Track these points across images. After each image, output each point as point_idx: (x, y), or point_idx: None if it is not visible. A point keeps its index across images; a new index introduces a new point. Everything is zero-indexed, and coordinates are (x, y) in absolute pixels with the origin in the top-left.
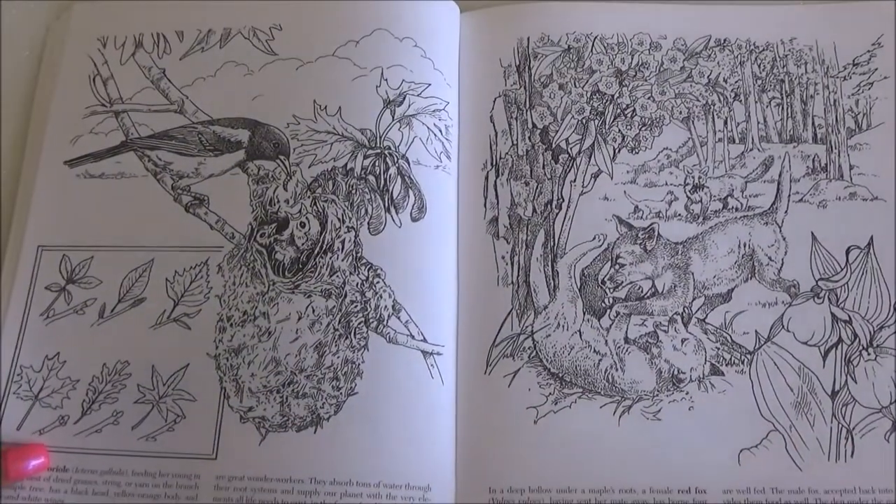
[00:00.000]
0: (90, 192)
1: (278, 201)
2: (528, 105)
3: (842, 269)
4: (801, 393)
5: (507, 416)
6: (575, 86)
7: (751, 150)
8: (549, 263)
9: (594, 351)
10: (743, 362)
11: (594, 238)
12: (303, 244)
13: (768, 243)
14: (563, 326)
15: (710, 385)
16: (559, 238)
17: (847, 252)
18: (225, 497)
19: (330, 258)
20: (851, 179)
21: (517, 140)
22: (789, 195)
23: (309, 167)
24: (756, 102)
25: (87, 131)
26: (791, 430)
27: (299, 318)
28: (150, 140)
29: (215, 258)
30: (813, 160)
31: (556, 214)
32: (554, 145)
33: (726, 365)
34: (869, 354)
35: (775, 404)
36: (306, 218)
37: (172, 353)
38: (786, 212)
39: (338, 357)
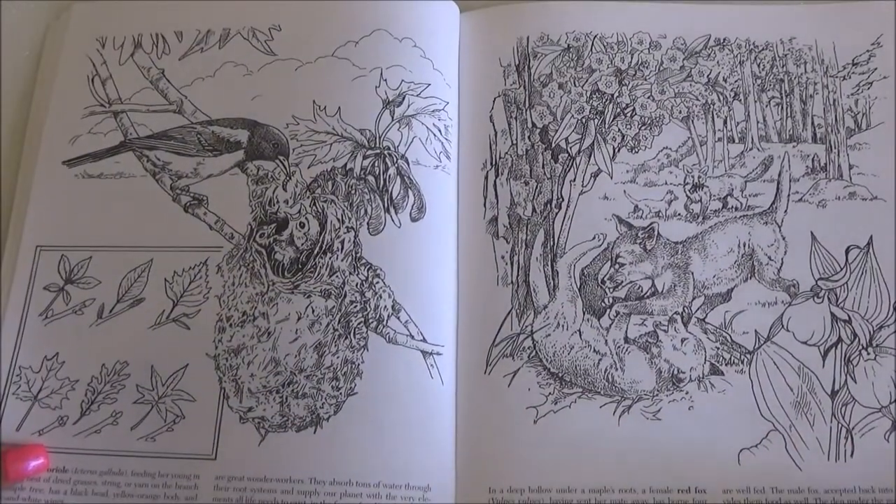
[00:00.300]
0: (89, 192)
1: (278, 201)
2: (527, 104)
3: (841, 269)
4: (801, 392)
5: (506, 415)
6: (574, 85)
7: (750, 149)
8: (549, 263)
9: (594, 351)
10: (743, 362)
11: (594, 238)
12: (302, 244)
13: (768, 243)
14: (563, 326)
15: (710, 385)
16: (559, 238)
17: (846, 252)
18: (224, 497)
19: (329, 258)
20: (851, 179)
21: (517, 140)
22: (789, 195)
23: (308, 167)
24: (755, 102)
25: (85, 131)
26: (791, 429)
27: (299, 319)
28: (149, 140)
29: (214, 258)
30: (812, 160)
31: (556, 214)
32: (553, 145)
33: (726, 365)
34: (868, 354)
35: (775, 404)
36: (306, 218)
37: (172, 354)
38: (785, 211)
39: (337, 357)
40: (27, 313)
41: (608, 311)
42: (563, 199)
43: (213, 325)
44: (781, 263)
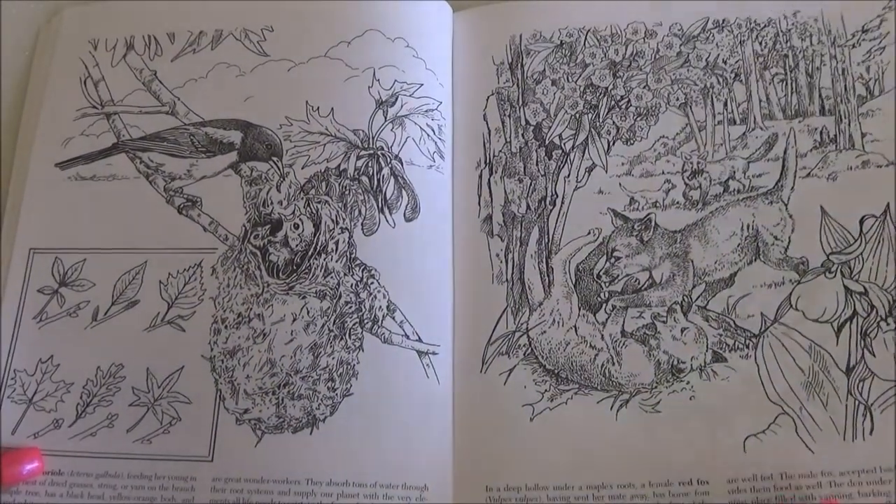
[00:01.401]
0: (82, 195)
1: (272, 203)
2: (521, 102)
3: (856, 240)
4: (813, 372)
5: (503, 414)
6: (568, 81)
7: (753, 129)
8: (544, 260)
9: (590, 346)
10: (748, 346)
11: (589, 233)
12: (297, 245)
13: (774, 222)
14: (559, 323)
15: (713, 373)
16: (553, 234)
17: (861, 222)
18: (221, 499)
19: (324, 259)
20: (864, 147)
21: (510, 137)
22: (796, 171)
23: (302, 168)
24: (758, 81)
25: (78, 133)
26: (801, 411)
27: (294, 320)
28: (142, 142)
29: (209, 260)
30: (821, 133)
31: (550, 211)
32: (547, 141)
33: (729, 351)
34: (888, 325)
35: (784, 387)
36: (300, 219)
37: (167, 356)
38: (792, 189)
39: (333, 358)
40: (21, 316)
41: (604, 305)
42: (557, 196)
43: (209, 327)
44: (789, 242)
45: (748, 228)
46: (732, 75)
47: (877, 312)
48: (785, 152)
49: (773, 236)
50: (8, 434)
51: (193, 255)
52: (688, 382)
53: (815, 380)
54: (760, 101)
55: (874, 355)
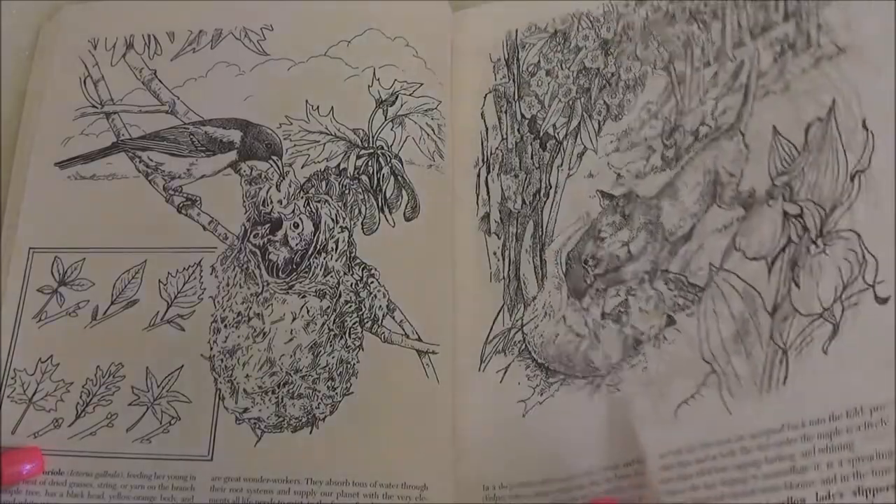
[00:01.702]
0: (81, 194)
1: (271, 202)
2: (516, 97)
3: (799, 154)
4: (743, 320)
5: (499, 412)
6: (562, 69)
7: (724, 63)
8: (538, 253)
9: (576, 334)
10: (693, 302)
11: (578, 219)
12: (296, 245)
13: (731, 159)
14: (550, 315)
15: (664, 338)
16: (546, 226)
17: (806, 130)
18: (221, 498)
19: (324, 258)
20: (819, 41)
21: (506, 134)
22: (755, 93)
23: (302, 167)
24: (733, 11)
25: (78, 133)
26: (728, 366)
27: (294, 319)
28: (142, 141)
29: (208, 259)
30: (782, 43)
31: (544, 203)
32: (542, 133)
33: (678, 311)
34: (817, 247)
35: (716, 341)
36: (300, 218)
37: (166, 355)
38: (751, 114)
39: (333, 357)
40: (21, 316)
41: (588, 290)
42: (550, 187)
43: (208, 326)
44: (741, 175)
45: (710, 173)
46: (711, 15)
47: (809, 235)
48: (748, 77)
49: (728, 174)
50: (8, 434)
51: (193, 254)
52: (643, 354)
53: (743, 328)
54: (732, 30)
55: (799, 287)
